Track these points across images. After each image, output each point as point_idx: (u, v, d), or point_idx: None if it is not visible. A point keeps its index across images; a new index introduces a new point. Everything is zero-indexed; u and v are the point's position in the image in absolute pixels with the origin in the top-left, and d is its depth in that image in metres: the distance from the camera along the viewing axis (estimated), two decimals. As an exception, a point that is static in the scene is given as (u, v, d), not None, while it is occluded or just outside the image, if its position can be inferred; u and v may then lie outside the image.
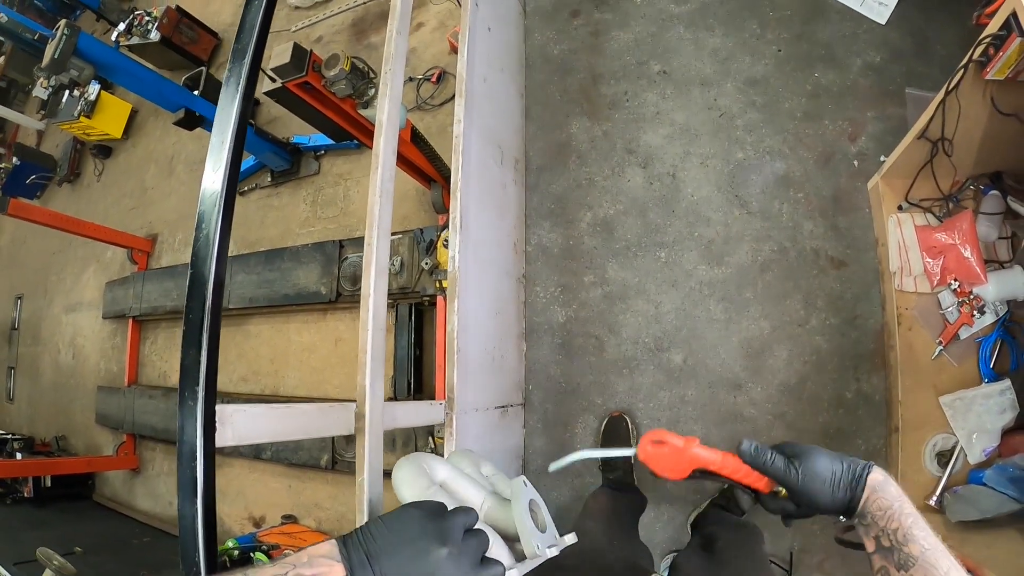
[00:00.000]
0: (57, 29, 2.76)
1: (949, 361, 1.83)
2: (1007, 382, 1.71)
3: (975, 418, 1.72)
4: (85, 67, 2.92)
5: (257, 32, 1.32)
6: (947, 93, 1.53)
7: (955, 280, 1.83)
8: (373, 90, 2.10)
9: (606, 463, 2.12)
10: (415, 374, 2.58)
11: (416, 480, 0.83)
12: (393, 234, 2.60)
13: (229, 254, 3.12)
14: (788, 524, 0.92)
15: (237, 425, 1.01)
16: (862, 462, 0.82)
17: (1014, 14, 1.21)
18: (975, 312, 1.80)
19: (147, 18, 4.40)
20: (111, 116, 4.50)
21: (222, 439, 0.97)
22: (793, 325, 2.11)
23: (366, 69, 2.14)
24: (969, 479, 1.71)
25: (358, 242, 2.90)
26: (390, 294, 2.56)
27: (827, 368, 2.04)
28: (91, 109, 4.31)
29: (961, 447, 1.73)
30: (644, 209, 2.37)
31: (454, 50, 3.31)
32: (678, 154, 2.41)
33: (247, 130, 3.10)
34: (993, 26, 1.31)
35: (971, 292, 1.81)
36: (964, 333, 1.82)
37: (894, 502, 0.77)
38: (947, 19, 2.36)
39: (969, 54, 1.42)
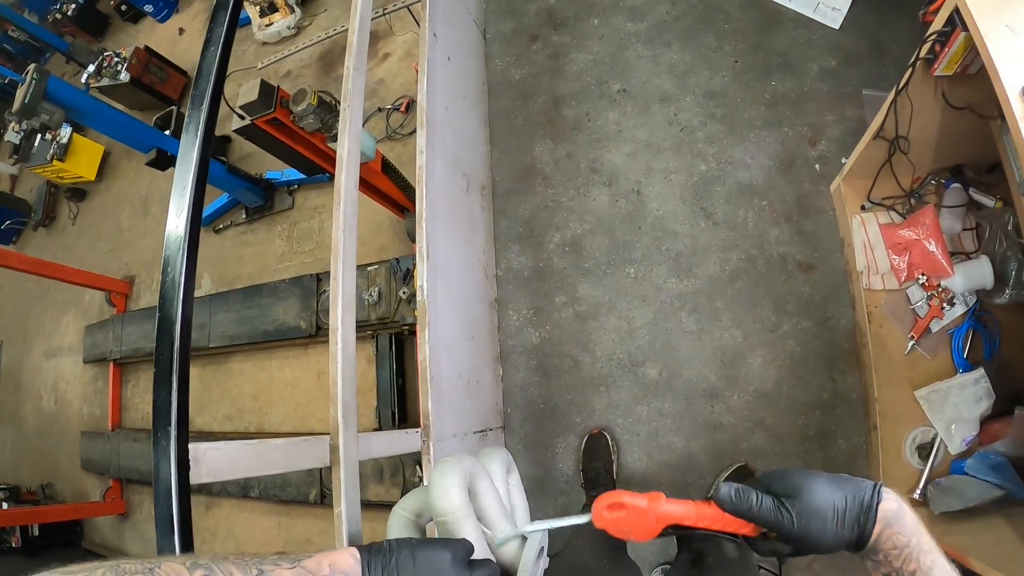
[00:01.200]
0: (27, 74, 2.75)
1: (922, 355, 1.86)
2: (981, 371, 1.74)
3: (952, 409, 1.74)
4: (56, 111, 2.92)
5: (214, 79, 1.35)
6: (898, 93, 1.57)
7: (922, 275, 1.86)
8: None
9: (588, 480, 2.13)
10: (399, 404, 2.58)
11: (453, 494, 0.76)
12: (369, 264, 2.68)
13: (207, 293, 3.13)
14: (783, 563, 0.81)
15: (211, 462, 1.03)
16: (868, 487, 0.69)
17: (956, 10, 1.25)
18: (945, 304, 1.84)
19: (116, 59, 4.41)
20: (84, 159, 4.48)
21: (196, 477, 0.99)
22: (765, 331, 2.15)
23: (333, 102, 2.16)
24: (951, 470, 1.73)
25: None
26: (370, 325, 2.60)
27: (802, 371, 2.08)
28: (64, 152, 4.29)
29: (941, 439, 1.75)
30: (611, 227, 2.41)
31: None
32: (641, 170, 2.45)
33: (218, 169, 3.14)
34: (937, 23, 1.35)
35: (939, 285, 1.84)
36: (935, 326, 1.85)
37: (911, 538, 0.66)
38: (900, 19, 2.44)
39: (916, 52, 1.46)
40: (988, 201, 1.82)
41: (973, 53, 1.29)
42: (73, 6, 5.62)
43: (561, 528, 0.80)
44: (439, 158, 2.00)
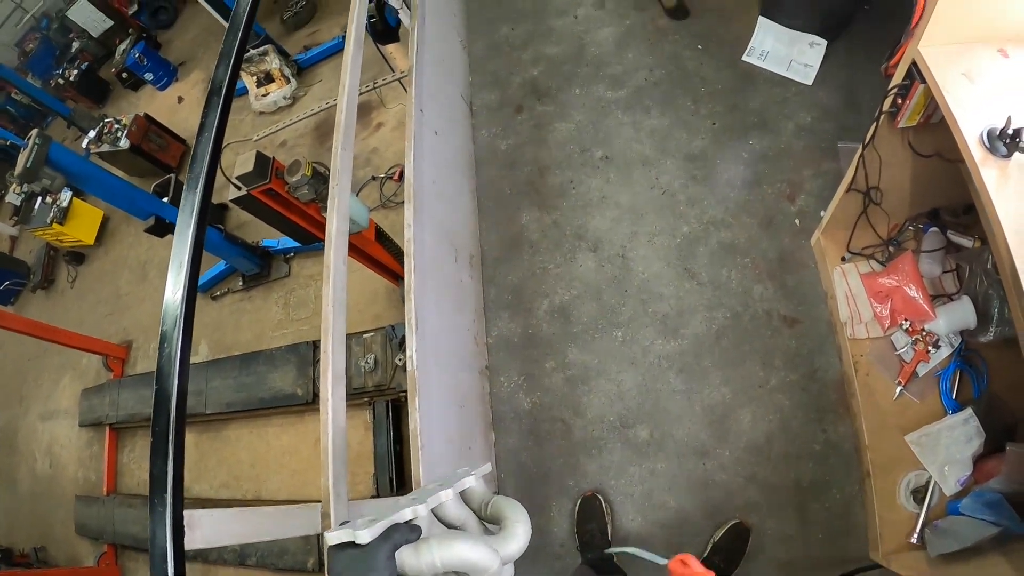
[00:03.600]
0: (29, 139, 2.82)
1: (911, 399, 1.88)
2: (970, 411, 1.75)
3: (944, 450, 1.75)
4: (56, 176, 2.97)
5: (208, 163, 1.41)
6: (865, 147, 1.64)
7: (905, 320, 1.89)
8: None
9: (583, 542, 2.14)
10: (397, 470, 2.58)
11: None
12: (365, 332, 2.74)
13: (205, 359, 3.13)
14: None
15: (205, 529, 1.08)
16: None
17: (914, 63, 1.33)
18: (930, 347, 1.86)
19: (116, 126, 4.52)
20: (83, 223, 4.56)
21: (191, 542, 1.03)
22: (754, 387, 2.18)
23: (327, 173, 2.20)
24: (948, 511, 1.73)
25: None
26: (366, 392, 2.63)
27: (792, 424, 2.10)
28: (64, 216, 4.37)
29: (935, 481, 1.75)
30: (598, 292, 2.46)
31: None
32: (626, 235, 2.52)
33: (216, 237, 3.19)
34: (897, 76, 1.42)
35: (923, 329, 1.87)
36: (922, 369, 1.87)
37: None
38: (870, 69, 2.48)
39: (879, 107, 1.53)
40: (966, 242, 1.87)
41: (934, 104, 1.34)
42: (76, 72, 5.84)
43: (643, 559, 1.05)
44: (428, 231, 2.06)
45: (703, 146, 2.60)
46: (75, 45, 6.16)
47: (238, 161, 2.18)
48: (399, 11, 2.45)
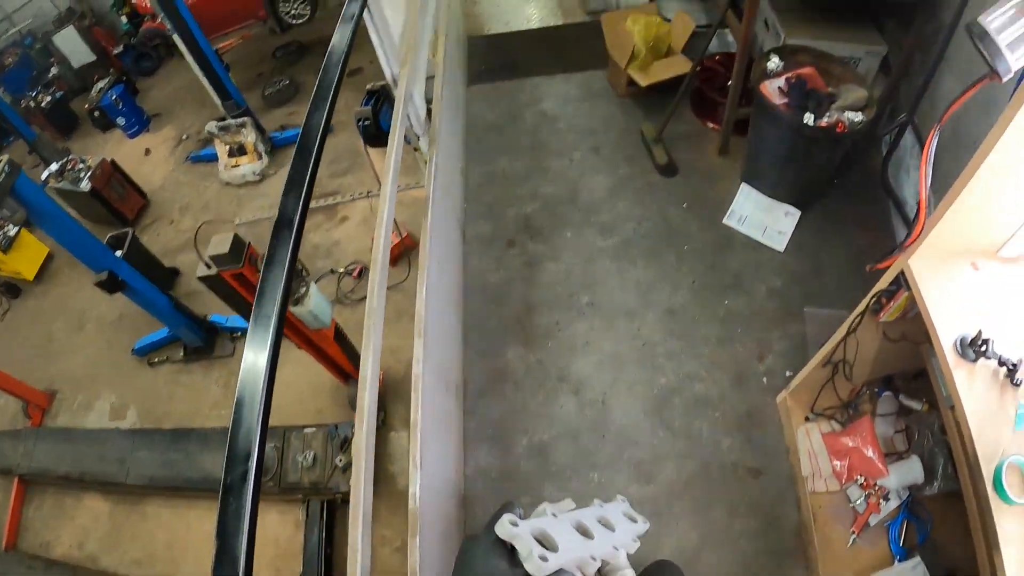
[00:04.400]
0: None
1: (863, 547, 2.03)
2: (917, 558, 1.91)
3: None
4: (19, 209, 2.83)
5: (279, 303, 1.26)
6: (848, 334, 1.87)
7: (860, 476, 2.08)
8: (304, 288, 2.14)
9: None
10: (325, 573, 2.49)
11: None
12: (306, 427, 2.70)
13: (132, 426, 2.89)
14: None
15: None
16: None
17: (902, 273, 1.54)
18: (881, 500, 2.05)
19: (81, 165, 4.37)
20: (27, 256, 4.33)
21: None
22: (719, 532, 2.28)
23: (301, 269, 2.20)
24: None
25: (270, 431, 2.82)
26: (300, 488, 2.58)
27: (754, 567, 2.19)
28: (8, 245, 4.16)
29: None
30: (577, 434, 2.54)
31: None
32: (607, 381, 2.64)
33: (164, 303, 3.15)
34: (884, 281, 1.64)
35: (876, 484, 2.06)
36: (873, 520, 2.04)
37: None
38: (837, 241, 2.87)
39: (866, 303, 1.75)
40: (916, 405, 2.12)
41: (914, 305, 1.56)
42: (48, 99, 5.69)
43: None
44: (429, 365, 2.06)
45: (683, 302, 2.80)
46: (53, 71, 6.05)
47: (213, 241, 2.14)
48: (420, 139, 2.56)
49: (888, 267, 1.63)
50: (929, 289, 1.47)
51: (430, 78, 2.90)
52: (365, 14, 2.06)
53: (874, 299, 1.72)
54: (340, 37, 1.71)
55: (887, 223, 2.92)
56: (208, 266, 2.21)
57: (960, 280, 1.51)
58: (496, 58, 4.37)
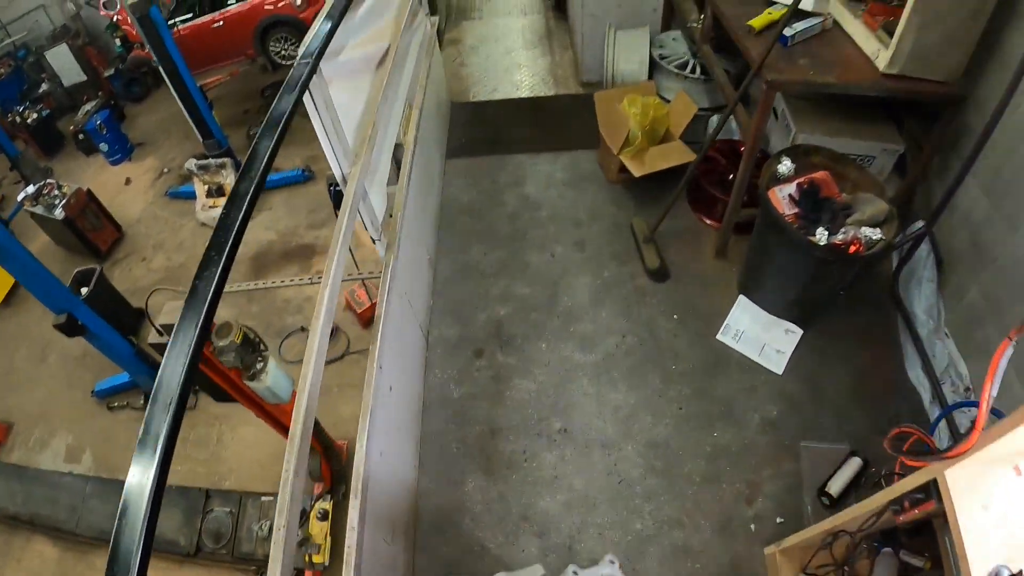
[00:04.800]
0: None
1: None
2: None
3: None
4: None
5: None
6: (860, 533, 1.75)
7: None
8: (261, 363, 1.97)
9: None
10: None
11: None
12: (265, 495, 2.60)
13: (87, 471, 2.74)
14: None
15: None
16: None
17: (935, 482, 1.30)
18: None
19: (56, 192, 4.28)
20: (-5, 279, 4.17)
21: None
22: None
23: (257, 340, 2.00)
24: None
25: (225, 495, 2.75)
26: (254, 560, 2.54)
27: None
28: (-26, 268, 3.99)
29: None
30: (540, 584, 2.22)
31: (349, 308, 3.29)
32: (575, 524, 2.33)
33: (126, 350, 2.95)
34: (911, 483, 1.39)
35: None
36: None
37: None
38: (838, 360, 2.58)
39: (883, 505, 1.56)
40: (918, 562, 1.84)
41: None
42: (35, 115, 5.63)
43: None
44: (369, 521, 1.80)
45: (667, 434, 2.49)
46: (43, 87, 6.02)
47: (165, 309, 2.11)
48: (376, 242, 2.30)
49: (917, 467, 1.38)
50: (964, 505, 1.22)
51: (399, 145, 2.67)
52: (307, 99, 1.91)
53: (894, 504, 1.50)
54: (265, 144, 1.62)
55: (893, 337, 2.63)
56: (160, 333, 2.19)
57: (1001, 490, 1.25)
58: (479, 129, 4.13)
